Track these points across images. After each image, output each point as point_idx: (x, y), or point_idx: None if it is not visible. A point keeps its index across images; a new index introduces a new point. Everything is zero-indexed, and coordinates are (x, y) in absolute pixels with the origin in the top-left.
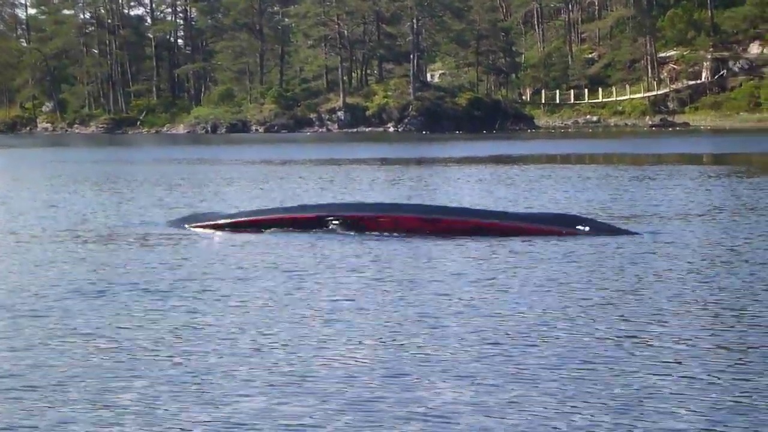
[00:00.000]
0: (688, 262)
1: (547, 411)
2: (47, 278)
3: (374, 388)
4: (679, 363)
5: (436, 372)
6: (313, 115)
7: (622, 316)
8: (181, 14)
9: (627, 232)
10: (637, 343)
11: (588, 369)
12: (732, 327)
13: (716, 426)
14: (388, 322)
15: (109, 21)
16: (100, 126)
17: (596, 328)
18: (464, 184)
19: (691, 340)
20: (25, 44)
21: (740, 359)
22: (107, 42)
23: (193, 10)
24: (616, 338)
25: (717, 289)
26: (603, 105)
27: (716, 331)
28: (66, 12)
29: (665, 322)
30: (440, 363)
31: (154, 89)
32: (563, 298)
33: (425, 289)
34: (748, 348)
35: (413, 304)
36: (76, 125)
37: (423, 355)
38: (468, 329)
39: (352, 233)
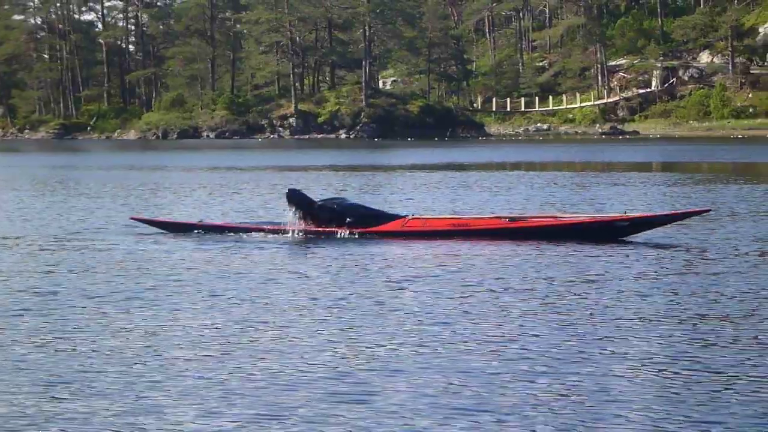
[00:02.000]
0: (656, 264)
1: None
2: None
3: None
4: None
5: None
6: (264, 122)
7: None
8: (132, 20)
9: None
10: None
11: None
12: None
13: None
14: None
15: (60, 26)
16: (50, 131)
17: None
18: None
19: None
20: None
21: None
22: (58, 47)
23: (145, 15)
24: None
25: (678, 292)
26: (553, 113)
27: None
28: (16, 17)
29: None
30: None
31: (104, 95)
32: (510, 302)
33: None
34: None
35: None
36: (26, 130)
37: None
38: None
39: None
